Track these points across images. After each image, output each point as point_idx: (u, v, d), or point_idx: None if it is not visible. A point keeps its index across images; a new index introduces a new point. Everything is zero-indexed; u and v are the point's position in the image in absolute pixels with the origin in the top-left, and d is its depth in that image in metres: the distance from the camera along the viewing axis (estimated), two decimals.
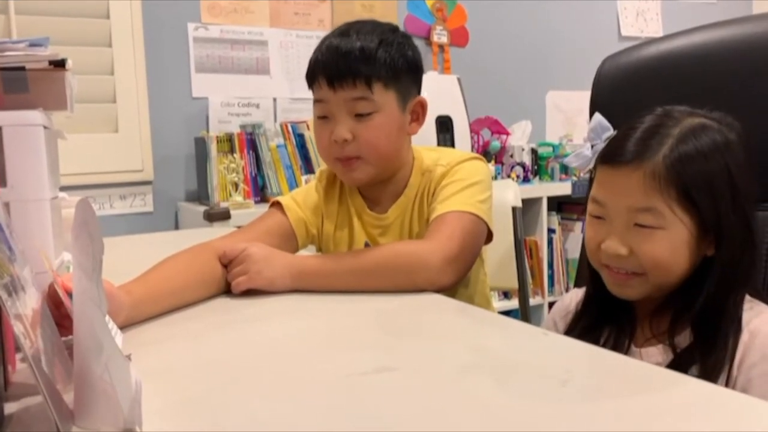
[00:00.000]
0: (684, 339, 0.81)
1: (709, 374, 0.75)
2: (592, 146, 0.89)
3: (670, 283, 0.83)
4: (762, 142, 0.89)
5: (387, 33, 1.07)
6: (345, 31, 1.07)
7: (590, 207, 0.86)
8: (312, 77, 1.08)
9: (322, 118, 1.08)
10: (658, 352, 0.83)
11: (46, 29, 2.14)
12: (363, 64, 1.03)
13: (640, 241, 0.80)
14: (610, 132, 0.88)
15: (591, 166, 0.88)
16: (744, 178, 0.80)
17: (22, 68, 0.73)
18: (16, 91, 0.72)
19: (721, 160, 0.79)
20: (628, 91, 1.10)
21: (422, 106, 1.13)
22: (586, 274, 0.92)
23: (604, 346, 0.84)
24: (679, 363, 0.78)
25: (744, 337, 0.77)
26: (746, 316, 0.78)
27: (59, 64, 0.74)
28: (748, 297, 0.81)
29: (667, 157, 0.78)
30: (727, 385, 0.76)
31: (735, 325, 0.78)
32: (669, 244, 0.79)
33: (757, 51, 0.94)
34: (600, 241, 0.83)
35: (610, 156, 0.84)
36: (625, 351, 0.85)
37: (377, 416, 0.52)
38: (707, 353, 0.77)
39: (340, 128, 1.05)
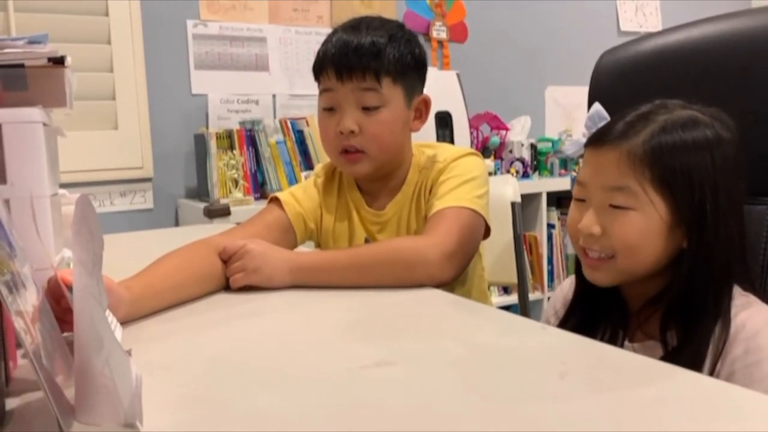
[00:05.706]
0: (674, 336, 0.81)
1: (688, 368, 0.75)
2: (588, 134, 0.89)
3: (640, 270, 0.83)
4: (759, 135, 0.89)
5: (395, 29, 1.09)
6: (355, 25, 1.08)
7: (574, 189, 0.87)
8: (320, 69, 1.09)
9: (329, 110, 1.09)
10: (650, 347, 0.83)
11: (45, 26, 2.13)
12: (373, 59, 1.04)
13: (613, 221, 0.81)
14: (607, 122, 0.88)
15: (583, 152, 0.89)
16: (731, 176, 0.80)
17: (21, 65, 0.73)
18: (15, 88, 0.72)
19: (707, 154, 0.78)
20: (626, 85, 1.10)
21: (426, 104, 1.14)
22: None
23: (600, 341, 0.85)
24: (669, 359, 0.78)
25: (730, 330, 0.77)
26: (735, 310, 0.78)
27: (58, 62, 0.74)
28: (741, 291, 0.81)
29: (647, 142, 0.79)
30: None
31: (722, 320, 0.78)
32: (640, 226, 0.80)
33: (755, 44, 0.94)
34: (579, 222, 0.84)
35: (596, 137, 0.85)
36: (620, 347, 0.85)
37: (378, 409, 0.53)
38: (686, 346, 0.78)
39: (346, 119, 1.06)
